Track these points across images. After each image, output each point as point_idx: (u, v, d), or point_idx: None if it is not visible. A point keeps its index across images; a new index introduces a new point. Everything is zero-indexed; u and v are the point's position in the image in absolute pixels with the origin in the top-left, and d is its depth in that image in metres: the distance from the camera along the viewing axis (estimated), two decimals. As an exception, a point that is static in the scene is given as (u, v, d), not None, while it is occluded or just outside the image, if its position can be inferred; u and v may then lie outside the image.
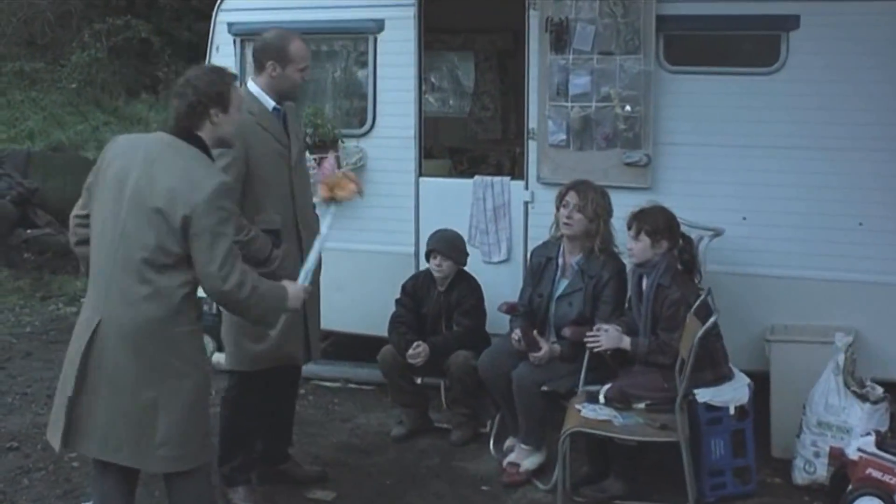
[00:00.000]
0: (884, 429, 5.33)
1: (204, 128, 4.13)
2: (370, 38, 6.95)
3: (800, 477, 5.55)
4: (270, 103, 5.17)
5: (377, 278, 6.76)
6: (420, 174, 6.92)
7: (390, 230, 6.91)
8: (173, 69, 17.03)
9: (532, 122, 6.53)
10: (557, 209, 5.76)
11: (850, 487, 5.08)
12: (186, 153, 4.04)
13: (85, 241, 4.19)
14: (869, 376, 5.60)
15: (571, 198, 5.68)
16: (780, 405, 5.81)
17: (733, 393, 5.33)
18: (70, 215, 4.32)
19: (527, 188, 6.62)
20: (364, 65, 7.10)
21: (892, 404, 5.52)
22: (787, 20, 6.01)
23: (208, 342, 6.22)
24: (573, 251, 5.76)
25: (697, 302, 5.26)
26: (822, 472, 5.46)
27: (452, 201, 6.81)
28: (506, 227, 6.72)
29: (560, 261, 5.82)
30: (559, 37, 6.35)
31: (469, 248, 6.48)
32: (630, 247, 5.51)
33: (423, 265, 6.45)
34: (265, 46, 5.21)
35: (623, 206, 5.73)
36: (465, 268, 6.37)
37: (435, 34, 8.55)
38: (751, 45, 6.38)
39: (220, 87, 4.16)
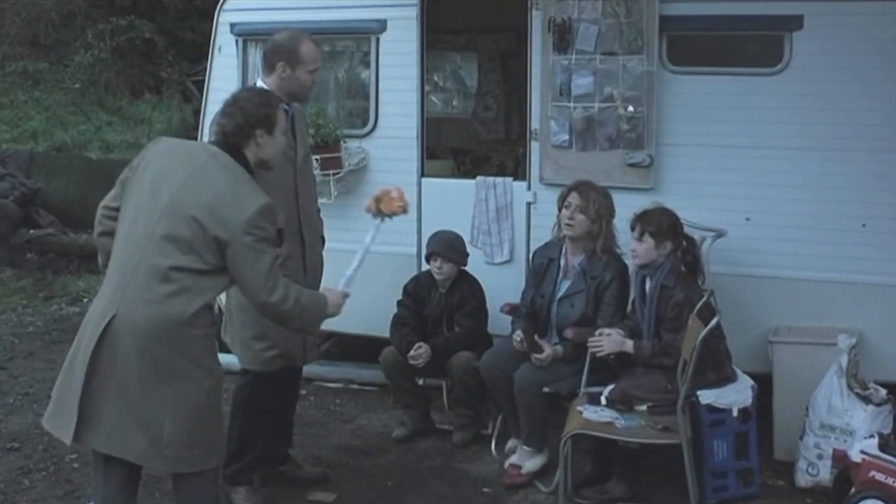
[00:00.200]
0: (887, 431, 5.31)
1: (248, 148, 4.23)
2: (372, 39, 6.93)
3: (803, 479, 5.53)
4: None
5: (379, 279, 6.70)
6: (422, 175, 6.90)
7: (392, 231, 6.82)
8: (177, 69, 17.06)
9: (535, 123, 6.51)
10: (559, 210, 5.75)
11: (853, 490, 5.07)
12: (234, 169, 4.12)
13: (109, 233, 4.22)
14: (872, 378, 5.59)
15: (573, 199, 5.66)
16: (783, 407, 5.79)
17: (736, 395, 5.31)
18: (99, 205, 4.35)
19: (529, 189, 6.60)
20: (366, 65, 7.08)
21: (895, 406, 5.49)
22: (791, 20, 5.98)
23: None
24: (575, 252, 5.75)
25: (700, 303, 5.24)
26: (825, 474, 5.44)
27: (455, 202, 6.79)
28: (508, 227, 6.70)
29: (562, 262, 5.80)
30: (562, 37, 6.33)
31: (471, 249, 6.47)
32: (633, 248, 5.50)
33: (425, 266, 6.43)
34: (276, 47, 5.21)
35: (626, 207, 5.71)
36: (468, 269, 6.36)
37: (438, 34, 8.53)
38: (754, 46, 6.34)
39: (268, 109, 4.28)
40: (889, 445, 5.10)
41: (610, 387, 5.34)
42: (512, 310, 5.93)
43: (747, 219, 6.11)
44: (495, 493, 5.61)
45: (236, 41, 7.23)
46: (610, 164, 6.31)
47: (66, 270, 10.98)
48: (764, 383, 5.74)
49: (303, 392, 6.86)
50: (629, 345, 5.37)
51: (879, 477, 4.98)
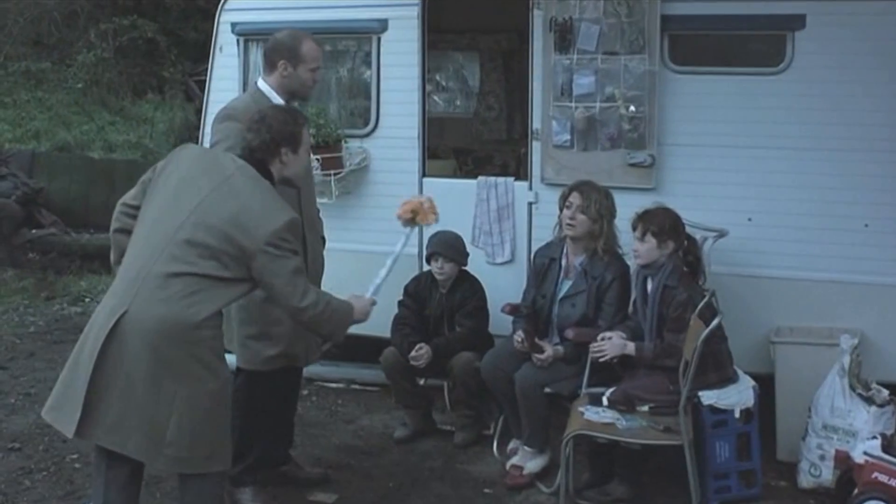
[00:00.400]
0: (890, 432, 5.29)
1: (273, 165, 4.33)
2: (374, 38, 6.92)
3: (805, 480, 5.52)
4: (281, 103, 5.17)
5: (380, 279, 6.72)
6: (423, 175, 6.89)
7: (394, 231, 6.84)
8: (179, 69, 17.06)
9: (536, 123, 6.50)
10: (561, 210, 5.74)
11: (855, 491, 5.05)
12: (260, 182, 4.22)
13: (125, 231, 4.28)
14: (875, 379, 5.57)
15: (574, 199, 5.65)
16: (786, 408, 5.78)
17: (738, 396, 5.30)
18: (118, 202, 4.39)
19: (531, 189, 6.59)
20: (367, 65, 7.07)
21: (898, 407, 5.49)
22: (793, 20, 5.96)
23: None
24: (576, 252, 5.74)
25: (702, 303, 5.23)
26: (827, 475, 5.42)
27: (456, 202, 6.74)
28: (509, 227, 6.68)
29: (563, 262, 5.79)
30: (563, 36, 6.32)
31: (472, 250, 6.46)
32: (635, 248, 5.48)
33: (427, 266, 6.42)
34: (277, 46, 5.21)
35: (627, 207, 5.70)
36: (469, 269, 6.34)
37: (440, 34, 8.52)
38: (756, 45, 6.33)
39: (294, 127, 4.40)
40: (892, 446, 5.08)
41: (612, 388, 5.32)
42: (513, 310, 5.92)
43: (749, 219, 6.10)
44: (497, 493, 5.60)
45: (237, 41, 7.23)
46: (611, 164, 6.30)
47: (68, 270, 10.98)
48: (766, 384, 5.73)
49: (304, 392, 6.87)
50: (631, 347, 5.36)
51: (882, 478, 4.96)
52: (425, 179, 6.87)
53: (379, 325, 6.38)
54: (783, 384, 5.80)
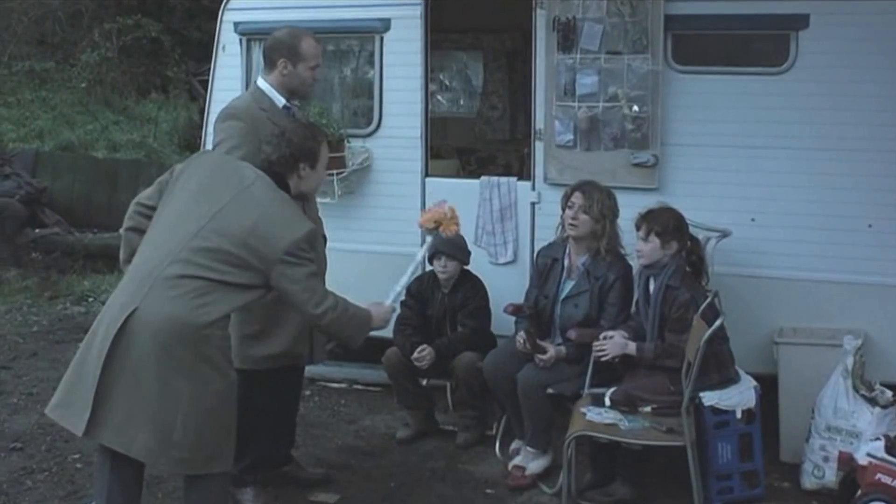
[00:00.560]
0: (893, 433, 5.26)
1: (291, 179, 4.43)
2: (376, 38, 6.91)
3: (808, 482, 5.50)
4: (281, 101, 5.19)
5: (383, 279, 6.66)
6: (426, 174, 6.88)
7: (396, 231, 6.87)
8: (183, 69, 17.05)
9: (539, 123, 6.48)
10: (563, 210, 5.72)
11: (859, 493, 5.04)
12: (281, 193, 4.30)
13: (137, 230, 4.33)
14: (878, 380, 5.55)
15: (577, 198, 5.64)
16: (789, 409, 5.76)
17: (740, 396, 5.28)
18: (132, 201, 4.47)
19: (533, 189, 6.58)
20: (370, 64, 7.06)
21: (901, 408, 5.47)
22: (797, 19, 5.95)
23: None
24: (579, 252, 5.72)
25: (704, 304, 5.21)
26: (830, 476, 5.39)
27: (459, 202, 6.63)
28: (512, 227, 6.67)
29: (566, 262, 5.77)
30: (566, 36, 6.30)
31: (475, 250, 6.44)
32: (639, 248, 5.47)
33: (429, 266, 6.40)
34: (276, 44, 5.21)
35: (630, 207, 5.68)
36: (471, 269, 6.33)
37: (444, 34, 8.51)
38: (760, 45, 6.32)
39: (313, 143, 4.51)
40: (895, 448, 5.06)
41: (613, 388, 5.31)
42: (515, 310, 5.91)
43: (752, 219, 6.09)
44: (499, 494, 5.58)
45: (240, 40, 7.22)
46: (614, 163, 6.28)
47: (71, 270, 10.98)
48: (769, 384, 5.71)
49: (307, 392, 6.87)
50: (632, 347, 5.34)
51: (886, 480, 4.95)
52: (428, 179, 6.87)
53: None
54: (786, 385, 5.78)
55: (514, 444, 5.90)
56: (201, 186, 4.23)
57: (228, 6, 7.30)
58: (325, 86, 7.33)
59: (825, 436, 5.41)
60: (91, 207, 12.65)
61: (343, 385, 7.27)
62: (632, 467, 5.38)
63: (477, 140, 9.70)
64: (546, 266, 5.83)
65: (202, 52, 16.44)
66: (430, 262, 6.28)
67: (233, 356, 5.14)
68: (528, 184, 6.63)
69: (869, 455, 5.06)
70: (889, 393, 5.44)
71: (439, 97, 10.14)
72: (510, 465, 5.75)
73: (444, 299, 6.26)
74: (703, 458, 5.21)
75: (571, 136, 6.37)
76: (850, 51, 5.88)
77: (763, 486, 5.42)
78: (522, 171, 7.76)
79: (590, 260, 5.68)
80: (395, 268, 6.62)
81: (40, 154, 13.34)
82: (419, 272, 5.92)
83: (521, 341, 5.57)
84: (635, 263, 5.61)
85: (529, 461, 5.68)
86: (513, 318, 5.92)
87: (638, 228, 5.47)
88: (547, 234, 6.14)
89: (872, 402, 5.36)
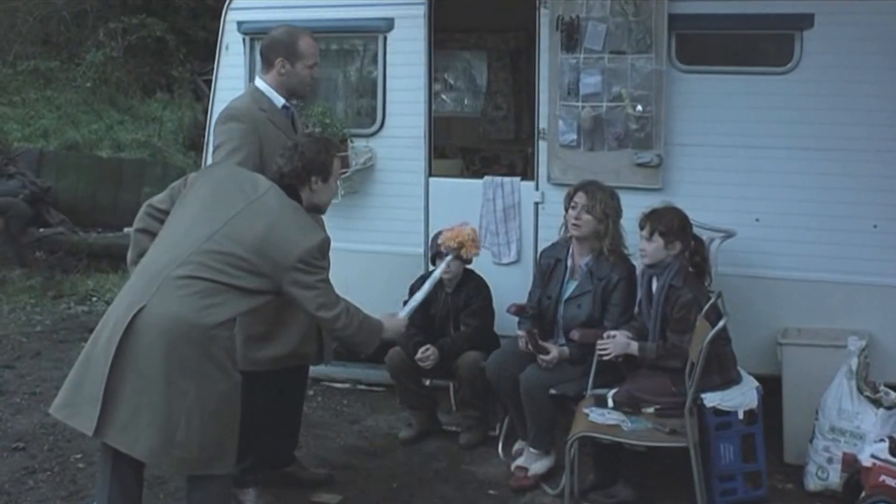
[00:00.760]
0: (898, 435, 5.26)
1: (303, 191, 4.45)
2: (380, 37, 6.90)
3: (812, 483, 5.48)
4: (280, 101, 5.17)
5: (386, 279, 6.71)
6: (430, 174, 6.87)
7: (399, 231, 6.87)
8: (188, 68, 17.05)
9: (542, 122, 6.47)
10: (566, 210, 5.71)
11: (863, 494, 5.02)
12: (293, 204, 4.34)
13: (147, 231, 4.37)
14: (882, 381, 5.53)
15: (580, 198, 5.62)
16: (793, 410, 5.74)
17: (742, 397, 5.26)
18: (144, 203, 4.48)
19: (537, 189, 6.56)
20: (374, 64, 7.04)
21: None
22: (801, 19, 5.93)
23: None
24: (582, 252, 5.71)
25: (708, 304, 5.19)
26: (834, 478, 5.38)
27: (462, 202, 6.76)
28: (516, 227, 6.67)
29: (569, 262, 5.76)
30: (570, 35, 6.29)
31: (478, 249, 6.44)
32: (643, 248, 5.45)
33: (432, 266, 6.39)
34: (274, 43, 5.19)
35: (634, 207, 5.66)
36: (475, 269, 6.32)
37: (449, 33, 8.50)
38: (764, 45, 6.31)
39: (325, 157, 4.53)
40: (900, 449, 5.05)
41: (615, 389, 5.30)
42: (519, 310, 5.90)
43: (757, 219, 6.08)
44: (502, 495, 5.57)
45: (243, 39, 7.21)
46: (618, 163, 6.27)
47: (76, 269, 10.98)
48: (773, 385, 5.70)
49: (310, 392, 6.86)
50: (634, 347, 5.32)
51: (890, 481, 4.92)
52: (431, 179, 6.86)
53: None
54: (790, 386, 5.77)
55: (517, 445, 5.89)
56: (215, 193, 4.28)
57: (231, 6, 7.29)
58: (329, 85, 7.34)
59: (829, 437, 5.40)
60: (95, 207, 12.65)
61: (346, 385, 7.26)
62: (635, 468, 5.37)
63: (481, 140, 9.70)
64: (549, 266, 5.82)
65: (207, 51, 16.43)
66: (433, 262, 6.27)
67: (238, 358, 5.17)
68: (531, 184, 6.62)
69: (873, 456, 5.04)
70: (893, 394, 5.42)
71: (443, 97, 10.14)
72: (513, 466, 5.74)
73: (448, 299, 6.24)
74: (706, 459, 5.19)
75: (575, 136, 6.36)
76: (856, 51, 5.86)
77: (766, 487, 5.41)
78: (526, 170, 7.74)
79: (593, 260, 5.66)
80: (399, 268, 6.70)
81: (45, 153, 13.33)
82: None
83: (524, 342, 5.56)
84: (639, 263, 5.59)
85: (532, 462, 5.66)
86: (516, 319, 5.91)
87: (642, 228, 5.45)
88: (550, 234, 6.12)
89: (876, 403, 5.34)
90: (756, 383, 5.38)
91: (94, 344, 4.05)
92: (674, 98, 6.17)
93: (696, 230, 5.57)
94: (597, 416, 5.15)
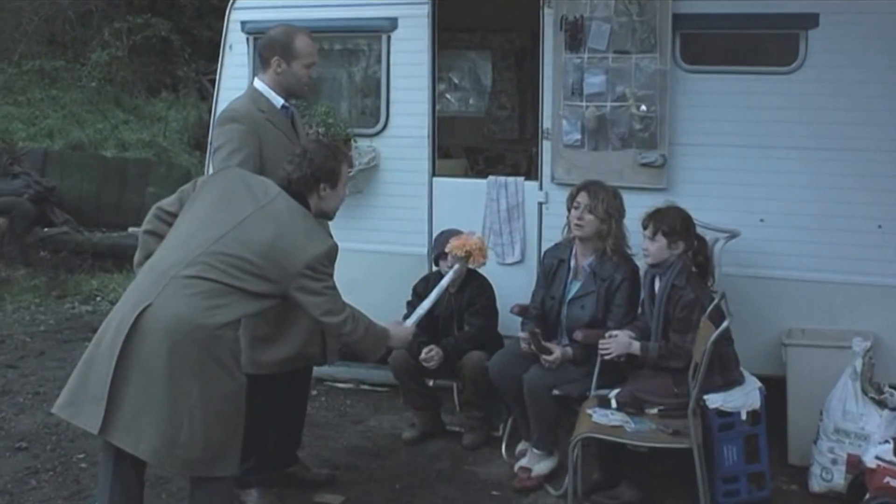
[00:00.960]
0: (902, 436, 5.24)
1: (311, 198, 4.45)
2: (383, 37, 6.89)
3: (816, 484, 5.46)
4: (279, 101, 5.15)
5: (390, 279, 6.70)
6: (433, 174, 6.86)
7: (403, 231, 6.87)
8: (193, 68, 17.07)
9: (546, 122, 6.46)
10: (569, 210, 5.69)
11: (867, 496, 5.00)
12: (303, 210, 4.35)
13: (155, 233, 4.38)
14: (887, 382, 5.52)
15: (582, 198, 5.61)
16: (797, 411, 5.72)
17: (744, 398, 5.24)
18: (153, 205, 4.51)
19: (541, 189, 6.55)
20: (377, 63, 7.03)
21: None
22: (806, 18, 5.91)
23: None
24: (585, 253, 5.69)
25: (712, 305, 5.18)
26: (839, 479, 5.36)
27: (466, 201, 6.75)
28: (520, 227, 6.65)
29: (572, 263, 5.74)
30: (574, 35, 6.28)
31: (481, 249, 6.43)
32: (645, 247, 5.43)
33: (435, 267, 6.38)
34: (270, 42, 5.18)
35: (638, 207, 5.64)
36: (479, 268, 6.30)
37: (454, 33, 8.49)
38: (769, 44, 6.28)
39: (334, 163, 4.52)
40: (904, 451, 5.03)
41: (617, 389, 5.29)
42: (522, 311, 5.89)
43: (761, 220, 6.06)
44: (505, 496, 5.55)
45: (247, 39, 7.20)
46: (622, 163, 6.26)
47: (80, 269, 10.98)
48: (778, 386, 5.68)
49: (314, 392, 6.85)
50: (636, 346, 5.31)
51: (894, 483, 4.90)
52: (435, 179, 6.85)
53: (388, 325, 6.38)
54: (795, 387, 5.75)
55: (521, 446, 5.88)
56: (225, 196, 4.29)
57: (235, 5, 7.28)
58: (333, 85, 7.33)
59: (833, 438, 5.38)
60: (100, 206, 12.66)
61: (350, 385, 7.25)
62: (638, 469, 5.36)
63: (486, 139, 9.68)
64: (552, 267, 5.80)
65: (212, 51, 16.44)
66: (437, 263, 6.26)
67: (243, 360, 5.16)
68: (535, 183, 6.60)
69: (878, 458, 5.02)
70: (898, 395, 5.42)
71: (448, 96, 10.14)
72: (516, 467, 5.72)
73: (451, 299, 6.22)
74: (710, 460, 5.16)
75: (579, 136, 6.35)
76: (860, 50, 5.85)
77: (770, 489, 5.38)
78: (531, 170, 7.73)
79: (596, 261, 5.64)
80: (402, 268, 6.69)
81: (49, 153, 13.35)
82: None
83: (526, 343, 5.54)
84: (642, 263, 5.57)
85: (535, 463, 5.65)
86: (519, 319, 5.89)
87: (645, 227, 5.44)
88: (554, 234, 6.10)
89: (881, 404, 5.33)
90: (759, 384, 5.36)
91: (97, 343, 4.05)
92: (678, 98, 6.16)
93: (700, 230, 5.56)
94: (600, 416, 5.13)
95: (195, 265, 4.03)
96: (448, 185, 6.87)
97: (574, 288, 5.70)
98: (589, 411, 5.21)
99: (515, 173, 7.55)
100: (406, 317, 6.21)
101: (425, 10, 6.73)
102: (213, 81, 13.71)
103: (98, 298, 10.01)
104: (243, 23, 7.23)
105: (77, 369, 4.08)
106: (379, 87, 7.00)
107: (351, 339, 4.41)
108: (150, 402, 3.92)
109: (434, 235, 6.55)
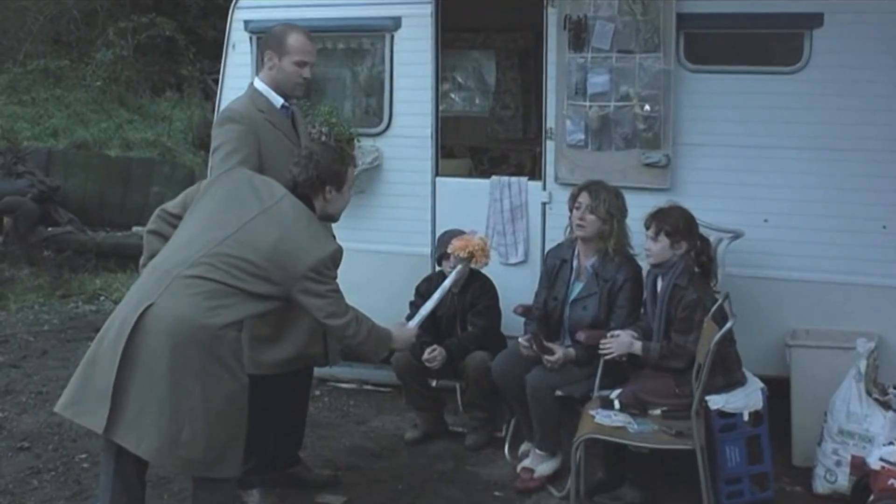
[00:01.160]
0: (906, 437, 5.22)
1: (317, 200, 4.44)
2: (387, 36, 6.88)
3: (821, 486, 5.44)
4: (279, 100, 5.12)
5: (393, 279, 6.69)
6: (437, 174, 6.85)
7: (406, 231, 6.85)
8: (197, 67, 17.08)
9: (550, 122, 6.45)
10: (570, 211, 5.67)
11: (871, 498, 4.97)
12: (308, 212, 4.34)
13: (160, 234, 4.39)
14: (892, 383, 5.52)
15: (584, 199, 5.59)
16: (801, 412, 5.71)
17: (746, 399, 5.22)
18: (158, 207, 4.52)
19: (544, 189, 6.53)
20: (381, 63, 7.02)
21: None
22: (811, 18, 5.89)
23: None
24: (587, 253, 5.67)
25: (715, 306, 5.16)
26: (843, 481, 5.34)
27: (469, 202, 6.74)
28: (523, 228, 6.63)
29: (574, 263, 5.73)
30: (577, 35, 6.26)
31: (484, 249, 6.41)
32: (648, 247, 5.42)
33: (438, 267, 6.36)
34: (266, 38, 5.23)
35: (642, 207, 5.62)
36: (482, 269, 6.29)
37: (457, 33, 8.48)
38: (773, 44, 6.27)
39: (339, 166, 4.51)
40: (909, 452, 5.01)
41: (619, 390, 5.27)
42: (525, 311, 5.87)
43: (765, 220, 6.04)
44: (507, 497, 5.54)
45: (250, 38, 7.19)
46: (626, 163, 6.24)
47: (84, 269, 10.99)
48: (781, 387, 5.66)
49: (316, 393, 6.86)
50: (637, 346, 5.29)
51: (898, 485, 4.89)
52: (438, 179, 6.83)
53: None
54: (799, 388, 5.73)
55: (524, 447, 5.87)
56: (230, 198, 4.28)
57: (238, 4, 7.27)
58: (336, 84, 7.33)
59: (838, 440, 5.36)
60: (104, 206, 12.67)
61: (352, 385, 7.25)
62: (641, 471, 5.34)
63: (489, 139, 9.68)
64: (555, 267, 5.78)
65: (217, 50, 16.45)
66: (440, 263, 6.24)
67: (245, 361, 5.15)
68: (538, 183, 6.59)
69: (882, 460, 4.99)
70: (902, 397, 5.40)
71: (452, 96, 10.13)
72: (519, 468, 5.71)
73: (454, 300, 6.21)
74: (713, 461, 5.15)
75: (583, 136, 6.33)
76: (865, 50, 5.82)
77: (773, 490, 5.36)
78: (534, 170, 7.72)
79: (598, 261, 5.63)
80: (406, 268, 6.68)
81: (53, 152, 13.36)
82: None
83: (527, 344, 5.52)
84: (645, 264, 5.55)
85: (538, 463, 5.64)
86: (522, 319, 5.88)
87: (647, 227, 5.42)
88: (558, 235, 6.09)
89: (885, 405, 5.32)
90: (761, 384, 5.34)
91: (100, 342, 4.05)
92: (682, 98, 6.14)
93: (703, 230, 5.54)
94: (603, 417, 5.12)
95: (198, 265, 4.03)
96: (451, 185, 6.86)
97: (577, 289, 5.69)
98: (592, 412, 5.19)
99: (519, 173, 7.55)
100: (409, 317, 6.21)
101: (429, 9, 6.71)
102: (217, 81, 13.74)
103: (102, 298, 10.02)
104: (246, 22, 7.21)
105: (79, 368, 4.08)
106: (382, 86, 6.99)
107: (354, 342, 4.40)
108: (152, 402, 3.92)
109: (437, 235, 6.53)
